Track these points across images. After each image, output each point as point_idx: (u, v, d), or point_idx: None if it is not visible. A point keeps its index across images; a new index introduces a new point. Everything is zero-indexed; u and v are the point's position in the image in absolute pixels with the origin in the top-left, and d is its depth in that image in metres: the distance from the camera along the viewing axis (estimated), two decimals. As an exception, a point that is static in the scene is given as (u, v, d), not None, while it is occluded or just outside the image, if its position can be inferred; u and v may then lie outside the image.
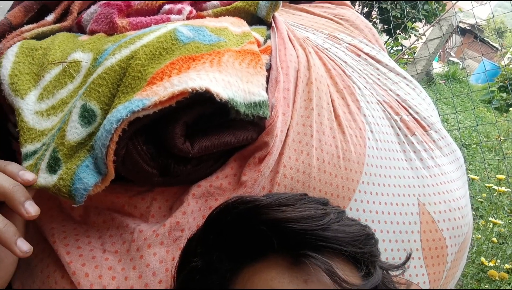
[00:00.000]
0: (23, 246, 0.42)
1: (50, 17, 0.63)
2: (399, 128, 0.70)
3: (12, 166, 0.45)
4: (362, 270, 0.42)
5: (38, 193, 0.51)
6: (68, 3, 0.65)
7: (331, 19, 0.87)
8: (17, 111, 0.51)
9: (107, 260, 0.48)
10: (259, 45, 0.65)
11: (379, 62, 0.81)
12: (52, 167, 0.46)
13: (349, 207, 0.60)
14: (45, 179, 0.45)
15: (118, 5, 0.60)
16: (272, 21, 0.71)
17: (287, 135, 0.59)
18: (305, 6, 0.93)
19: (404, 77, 0.82)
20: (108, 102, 0.48)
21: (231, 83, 0.50)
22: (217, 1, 0.70)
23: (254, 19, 0.71)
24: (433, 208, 0.65)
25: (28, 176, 0.45)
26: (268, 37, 0.69)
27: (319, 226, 0.41)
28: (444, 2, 4.20)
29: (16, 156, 0.58)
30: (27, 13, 0.63)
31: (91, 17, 0.62)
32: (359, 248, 0.43)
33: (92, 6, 0.64)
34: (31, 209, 0.43)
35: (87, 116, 0.47)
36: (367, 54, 0.81)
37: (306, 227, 0.41)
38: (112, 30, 0.59)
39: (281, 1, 0.71)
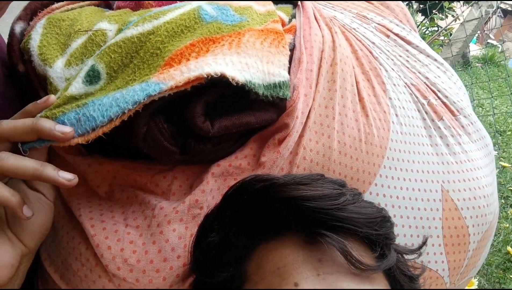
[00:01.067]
0: (67, 175, 0.43)
1: (79, -5, 0.64)
2: (426, 112, 0.68)
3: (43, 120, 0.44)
4: (376, 252, 0.42)
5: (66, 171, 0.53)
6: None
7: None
8: (48, 80, 0.52)
9: (129, 235, 0.50)
10: (283, 24, 0.64)
11: (409, 43, 0.79)
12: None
13: (369, 191, 0.60)
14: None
15: (144, -17, 0.60)
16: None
17: (308, 117, 0.58)
18: (334, -16, 0.90)
19: (435, 59, 0.79)
20: (117, 69, 0.48)
21: (249, 64, 0.50)
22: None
23: (280, -3, 0.70)
24: (457, 195, 0.64)
25: (66, 129, 0.44)
26: (293, 16, 0.68)
27: (334, 205, 0.41)
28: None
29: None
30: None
31: (118, -5, 0.62)
32: (374, 230, 0.43)
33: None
34: (67, 176, 0.44)
35: (91, 75, 0.48)
36: (396, 34, 0.79)
37: (322, 206, 0.41)
38: (138, 6, 0.59)
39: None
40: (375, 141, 0.61)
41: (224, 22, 0.53)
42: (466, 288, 0.69)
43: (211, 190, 0.53)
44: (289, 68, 0.59)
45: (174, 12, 0.52)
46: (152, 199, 0.52)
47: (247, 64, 0.49)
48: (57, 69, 0.52)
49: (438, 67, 0.79)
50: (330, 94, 0.61)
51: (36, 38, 0.54)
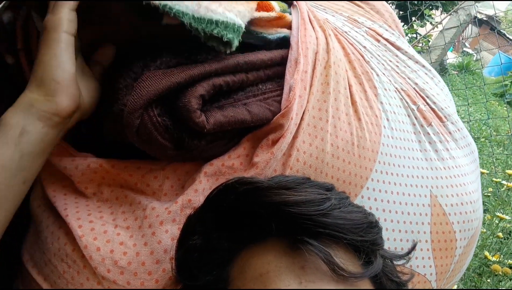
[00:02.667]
0: None
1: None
2: (416, 118, 0.69)
3: None
4: (361, 259, 0.42)
5: (53, 172, 0.51)
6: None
7: (351, 1, 0.85)
8: None
9: (119, 235, 0.48)
10: (271, 10, 0.62)
11: (398, 48, 0.79)
12: None
13: (361, 195, 0.60)
14: None
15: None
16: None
17: (302, 118, 0.58)
18: (325, -13, 0.90)
19: (423, 66, 0.80)
20: None
21: None
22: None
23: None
24: (445, 200, 0.64)
25: None
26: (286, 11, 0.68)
27: (318, 211, 0.40)
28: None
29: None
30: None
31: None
32: (360, 236, 0.42)
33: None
34: None
35: None
36: (386, 39, 0.79)
37: (305, 212, 0.40)
38: None
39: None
40: (367, 145, 0.61)
41: None
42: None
43: (203, 189, 0.52)
44: (286, 67, 0.59)
45: None
46: (143, 200, 0.51)
47: None
48: None
49: (426, 74, 0.80)
50: (324, 97, 0.61)
51: None
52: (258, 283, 0.39)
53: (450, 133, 0.72)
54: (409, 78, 0.75)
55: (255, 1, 0.58)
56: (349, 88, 0.64)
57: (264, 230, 0.41)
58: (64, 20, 0.44)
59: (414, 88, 0.73)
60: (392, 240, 0.60)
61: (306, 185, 0.45)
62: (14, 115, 0.43)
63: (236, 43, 0.50)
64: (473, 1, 2.69)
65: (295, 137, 0.57)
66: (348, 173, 0.59)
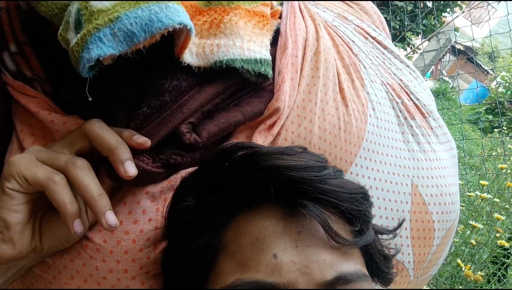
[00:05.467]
0: (111, 219, 0.41)
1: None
2: (400, 111, 0.71)
3: (127, 131, 0.46)
4: (356, 227, 0.43)
5: (32, 125, 0.50)
6: None
7: (342, 1, 0.87)
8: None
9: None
10: (272, 8, 0.64)
11: (385, 47, 0.82)
12: (77, 28, 0.43)
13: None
14: (72, 38, 0.43)
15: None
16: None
17: (294, 101, 0.59)
18: (317, -14, 0.93)
19: (408, 66, 0.83)
20: None
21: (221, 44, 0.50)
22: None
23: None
24: (425, 190, 0.66)
25: (142, 139, 0.45)
26: (280, 4, 0.69)
27: (317, 177, 0.41)
28: (443, 19, 4.27)
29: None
30: None
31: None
32: (356, 206, 0.43)
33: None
34: (130, 169, 0.43)
35: None
36: (374, 38, 0.82)
37: (305, 176, 0.40)
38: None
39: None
40: (353, 131, 0.62)
41: None
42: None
43: None
44: (274, 52, 0.60)
45: None
46: None
47: (218, 45, 0.50)
48: None
49: (410, 73, 0.82)
50: (313, 81, 0.62)
51: None
52: (255, 247, 0.39)
53: (431, 128, 0.74)
54: (394, 74, 0.77)
55: (267, 16, 0.60)
56: (338, 76, 0.66)
57: (261, 195, 0.41)
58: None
59: (399, 84, 0.75)
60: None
61: (304, 153, 0.46)
62: None
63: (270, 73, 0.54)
64: (453, 27, 2.80)
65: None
66: (334, 156, 0.60)
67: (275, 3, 0.66)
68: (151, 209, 0.47)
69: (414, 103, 0.74)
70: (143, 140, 0.45)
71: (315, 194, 0.40)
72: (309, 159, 0.44)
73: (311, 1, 0.82)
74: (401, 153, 0.67)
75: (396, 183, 0.64)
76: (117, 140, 0.43)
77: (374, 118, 0.66)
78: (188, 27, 0.43)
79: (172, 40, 0.46)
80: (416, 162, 0.67)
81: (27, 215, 0.43)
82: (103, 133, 0.43)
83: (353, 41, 0.76)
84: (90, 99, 0.47)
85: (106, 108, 0.50)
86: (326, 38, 0.68)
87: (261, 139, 0.54)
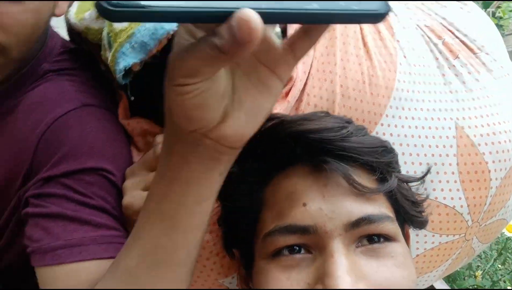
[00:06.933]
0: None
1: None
2: (440, 52, 0.67)
3: None
4: (376, 175, 0.48)
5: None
6: None
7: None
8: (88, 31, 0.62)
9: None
10: None
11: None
12: (110, 47, 0.55)
13: (376, 132, 0.61)
14: (108, 56, 0.55)
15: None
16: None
17: (311, 66, 0.61)
18: None
19: None
20: None
21: None
22: None
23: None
24: (473, 131, 0.62)
25: None
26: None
27: (337, 136, 0.47)
28: None
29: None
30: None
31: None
32: (375, 158, 0.48)
33: None
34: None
35: None
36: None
37: (326, 137, 0.46)
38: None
39: None
40: (380, 82, 0.62)
41: None
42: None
43: None
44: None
45: None
46: None
47: None
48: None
49: (461, 8, 0.76)
50: (331, 42, 0.63)
51: (73, 10, 0.66)
52: (288, 199, 0.47)
53: (484, 63, 0.68)
54: (436, 14, 0.72)
55: None
56: (361, 31, 0.65)
57: (291, 157, 0.49)
58: None
59: (440, 23, 0.71)
60: (413, 172, 0.60)
61: (325, 117, 0.52)
62: None
63: None
64: None
65: (305, 84, 0.61)
66: (360, 111, 0.61)
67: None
68: None
69: (461, 40, 0.69)
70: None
71: (336, 151, 0.46)
72: (329, 121, 0.49)
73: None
74: (441, 96, 0.64)
75: (436, 128, 0.62)
76: None
77: (406, 65, 0.64)
78: None
79: None
80: (460, 103, 0.63)
81: None
82: None
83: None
84: (132, 98, 0.58)
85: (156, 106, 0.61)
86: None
87: (279, 107, 0.58)
